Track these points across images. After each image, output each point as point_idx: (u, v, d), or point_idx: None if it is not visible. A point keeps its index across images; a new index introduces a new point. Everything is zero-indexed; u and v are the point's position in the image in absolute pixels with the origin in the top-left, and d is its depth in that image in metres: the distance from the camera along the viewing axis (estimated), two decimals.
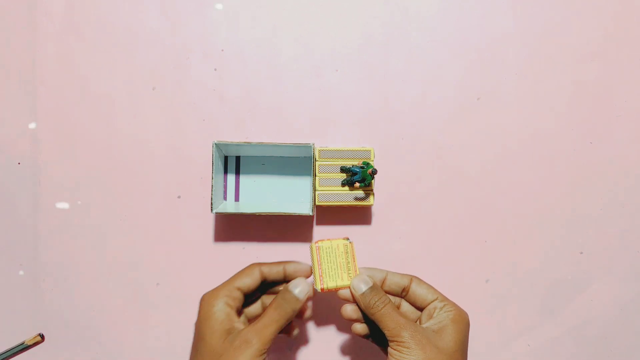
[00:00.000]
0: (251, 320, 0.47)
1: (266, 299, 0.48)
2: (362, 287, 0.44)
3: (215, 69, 0.53)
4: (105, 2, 0.53)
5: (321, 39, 0.53)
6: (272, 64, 0.53)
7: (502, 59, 0.53)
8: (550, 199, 0.53)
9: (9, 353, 0.52)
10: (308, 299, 0.45)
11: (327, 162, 0.49)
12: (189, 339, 0.53)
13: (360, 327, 0.46)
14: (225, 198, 0.53)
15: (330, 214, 0.53)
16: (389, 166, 0.53)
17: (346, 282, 0.45)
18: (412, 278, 0.46)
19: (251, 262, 0.49)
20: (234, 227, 0.53)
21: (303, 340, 0.53)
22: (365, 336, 0.46)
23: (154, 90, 0.53)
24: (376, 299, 0.44)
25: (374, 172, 0.47)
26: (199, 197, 0.53)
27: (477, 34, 0.53)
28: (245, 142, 0.48)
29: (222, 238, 0.53)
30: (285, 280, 0.46)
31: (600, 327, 0.53)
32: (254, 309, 0.47)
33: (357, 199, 0.50)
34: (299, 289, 0.44)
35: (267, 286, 0.47)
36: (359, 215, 0.53)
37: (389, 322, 0.42)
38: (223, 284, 0.45)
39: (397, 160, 0.53)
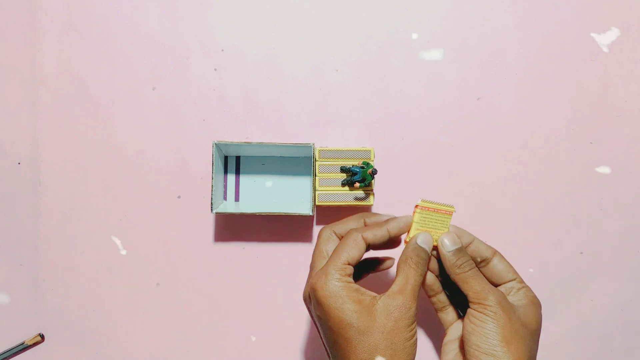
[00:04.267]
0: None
1: None
2: (451, 245, 0.43)
3: (215, 69, 0.53)
4: (105, 2, 0.53)
5: (321, 39, 0.53)
6: (272, 64, 0.53)
7: (502, 59, 0.53)
8: (550, 199, 0.53)
9: (9, 353, 0.52)
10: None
11: (327, 162, 0.49)
12: (189, 339, 0.53)
13: (433, 279, 0.45)
14: (225, 198, 0.53)
15: (330, 214, 0.53)
16: (389, 166, 0.53)
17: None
18: (496, 252, 0.45)
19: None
20: (234, 227, 0.53)
21: None
22: (432, 293, 0.46)
23: (154, 90, 0.53)
24: (464, 260, 0.42)
25: (374, 172, 0.47)
26: (199, 197, 0.53)
27: (477, 34, 0.53)
28: (245, 142, 0.48)
29: (222, 238, 0.53)
30: (390, 239, 0.44)
31: (600, 327, 0.53)
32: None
33: (357, 199, 0.50)
34: (429, 245, 0.43)
35: None
36: None
37: (476, 285, 0.41)
38: (329, 263, 0.41)
39: (397, 160, 0.53)
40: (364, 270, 0.47)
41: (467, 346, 0.40)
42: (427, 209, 0.44)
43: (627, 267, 0.53)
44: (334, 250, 0.42)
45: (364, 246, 0.42)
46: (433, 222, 0.44)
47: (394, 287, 0.40)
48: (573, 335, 0.53)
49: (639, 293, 0.53)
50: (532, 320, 0.42)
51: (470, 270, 0.42)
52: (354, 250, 0.42)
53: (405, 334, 0.39)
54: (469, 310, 0.41)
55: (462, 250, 0.43)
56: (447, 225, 0.45)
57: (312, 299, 0.41)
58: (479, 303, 0.40)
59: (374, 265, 0.48)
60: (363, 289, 0.41)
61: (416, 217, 0.44)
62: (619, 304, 0.53)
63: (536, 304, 0.43)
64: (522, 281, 0.44)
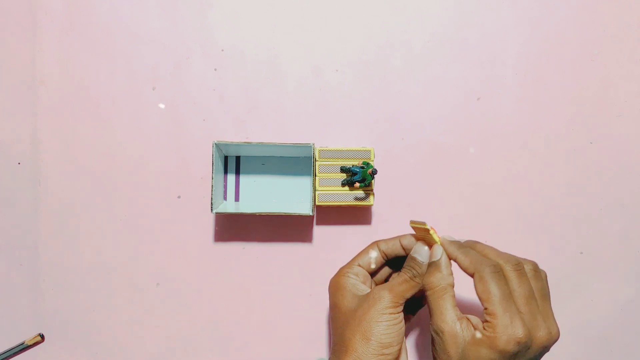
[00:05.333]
0: None
1: None
2: (425, 259, 0.43)
3: (215, 69, 0.53)
4: (105, 2, 0.53)
5: (321, 39, 0.53)
6: (272, 64, 0.53)
7: (502, 59, 0.53)
8: (550, 199, 0.53)
9: (9, 353, 0.52)
10: None
11: (327, 162, 0.49)
12: (189, 339, 0.53)
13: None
14: (225, 198, 0.53)
15: (330, 214, 0.53)
16: (389, 166, 0.53)
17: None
18: (475, 272, 0.40)
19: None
20: (234, 227, 0.53)
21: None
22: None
23: (154, 90, 0.53)
24: (433, 279, 0.41)
25: (374, 172, 0.47)
26: (199, 197, 0.53)
27: (477, 34, 0.53)
28: (245, 142, 0.48)
29: (222, 238, 0.53)
30: (406, 252, 0.45)
31: (600, 327, 0.53)
32: None
33: (357, 199, 0.50)
34: (421, 255, 0.43)
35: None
36: (359, 215, 0.53)
37: (436, 312, 0.40)
38: (345, 264, 0.46)
39: (397, 160, 0.53)
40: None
41: None
42: (416, 228, 0.45)
43: (627, 267, 0.53)
44: (353, 257, 0.47)
45: (377, 253, 0.46)
46: (428, 238, 0.44)
47: (386, 283, 0.44)
48: (573, 335, 0.53)
49: (639, 293, 0.53)
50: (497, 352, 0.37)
51: (437, 290, 0.41)
52: (366, 255, 0.46)
53: (376, 317, 0.41)
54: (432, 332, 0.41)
55: (439, 265, 0.42)
56: (435, 239, 0.43)
57: None
58: (433, 331, 0.40)
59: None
60: (363, 285, 0.45)
61: (417, 236, 0.46)
62: (619, 304, 0.53)
63: (482, 344, 0.37)
64: (494, 315, 0.38)
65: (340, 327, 0.43)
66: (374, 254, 0.46)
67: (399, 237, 0.46)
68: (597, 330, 0.53)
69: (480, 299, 0.39)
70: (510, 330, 0.37)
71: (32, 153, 0.53)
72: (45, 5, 0.53)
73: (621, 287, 0.53)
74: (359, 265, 0.46)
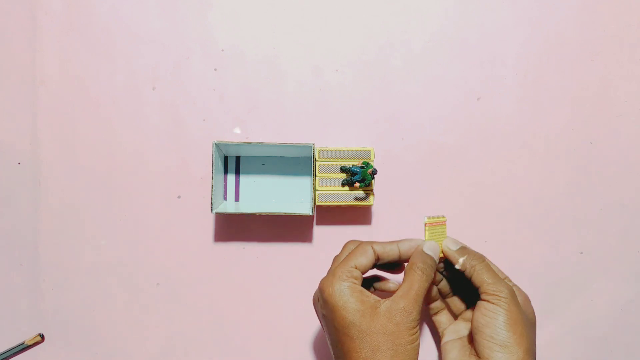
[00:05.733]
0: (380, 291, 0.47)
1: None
2: (456, 245, 0.45)
3: (215, 69, 0.53)
4: (105, 2, 0.53)
5: (321, 39, 0.53)
6: (272, 64, 0.53)
7: (502, 59, 0.53)
8: (550, 199, 0.53)
9: (9, 353, 0.52)
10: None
11: (327, 162, 0.49)
12: (189, 339, 0.53)
13: (443, 283, 0.49)
14: (225, 198, 0.53)
15: (330, 214, 0.53)
16: (389, 166, 0.53)
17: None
18: (485, 260, 0.45)
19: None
20: (234, 227, 0.53)
21: None
22: (430, 300, 0.49)
23: (154, 90, 0.53)
24: (472, 255, 0.44)
25: (374, 172, 0.47)
26: (199, 197, 0.53)
27: (477, 34, 0.53)
28: (245, 142, 0.48)
29: (222, 238, 0.53)
30: (400, 259, 0.44)
31: (600, 327, 0.53)
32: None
33: (357, 199, 0.50)
34: (434, 251, 0.44)
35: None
36: (359, 215, 0.53)
37: (490, 277, 0.43)
38: (339, 265, 0.42)
39: (397, 160, 0.53)
40: (368, 286, 0.48)
41: (480, 338, 0.41)
42: (433, 224, 0.45)
43: (627, 267, 0.53)
44: (345, 257, 0.43)
45: (372, 255, 0.43)
46: (437, 235, 0.46)
47: (399, 292, 0.41)
48: (573, 335, 0.53)
49: (639, 293, 0.53)
50: (531, 313, 0.44)
51: (482, 263, 0.44)
52: (363, 258, 0.43)
53: (407, 337, 0.39)
54: (480, 302, 0.42)
55: (466, 247, 0.46)
56: (445, 234, 0.46)
57: (320, 299, 0.43)
58: (494, 294, 0.42)
59: (376, 281, 0.48)
60: (368, 292, 0.42)
61: (427, 235, 0.45)
62: (619, 304, 0.53)
63: (528, 299, 0.45)
64: (510, 280, 0.47)
65: (368, 350, 0.39)
66: (370, 257, 0.43)
67: (396, 243, 0.44)
68: (597, 330, 0.53)
69: (495, 276, 0.44)
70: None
71: (32, 153, 0.53)
72: (45, 5, 0.53)
73: (621, 287, 0.53)
74: (355, 267, 0.42)
